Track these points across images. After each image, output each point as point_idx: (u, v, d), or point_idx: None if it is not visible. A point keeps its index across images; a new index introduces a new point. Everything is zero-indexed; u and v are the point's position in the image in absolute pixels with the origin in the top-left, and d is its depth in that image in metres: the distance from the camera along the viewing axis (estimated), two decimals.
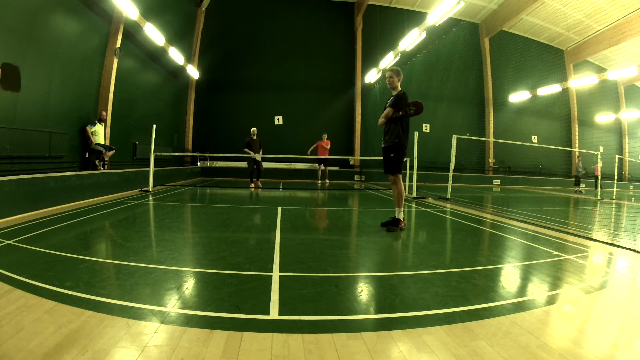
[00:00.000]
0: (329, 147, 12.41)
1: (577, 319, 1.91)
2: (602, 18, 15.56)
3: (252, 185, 9.80)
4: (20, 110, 5.87)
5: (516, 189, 14.90)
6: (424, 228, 4.94)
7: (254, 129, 9.87)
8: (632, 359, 1.52)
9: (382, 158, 4.41)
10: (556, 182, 17.68)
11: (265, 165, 14.22)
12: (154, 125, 8.21)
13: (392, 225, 4.20)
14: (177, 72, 12.89)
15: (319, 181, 12.72)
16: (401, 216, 4.21)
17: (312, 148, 12.37)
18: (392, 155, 4.24)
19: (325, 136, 12.53)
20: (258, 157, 9.64)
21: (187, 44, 13.71)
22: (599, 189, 11.25)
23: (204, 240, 3.55)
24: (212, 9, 14.53)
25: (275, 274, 2.46)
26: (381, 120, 4.31)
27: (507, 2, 15.18)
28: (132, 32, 9.21)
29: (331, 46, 15.82)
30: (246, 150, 9.77)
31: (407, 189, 9.49)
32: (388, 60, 13.12)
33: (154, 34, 9.36)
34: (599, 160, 11.60)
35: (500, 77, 17.38)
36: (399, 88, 4.31)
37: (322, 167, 12.77)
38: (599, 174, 11.50)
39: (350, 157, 14.61)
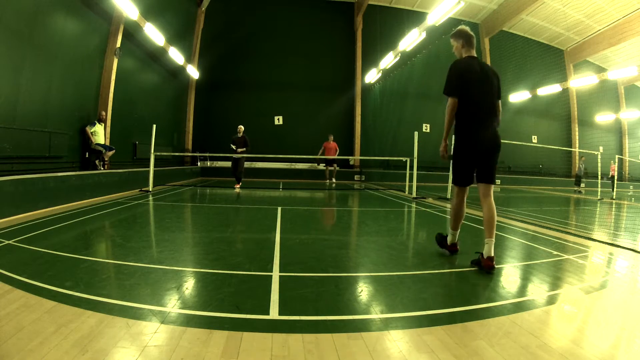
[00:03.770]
0: (336, 148, 12.52)
1: (577, 319, 1.91)
2: (602, 18, 15.55)
3: (237, 186, 9.52)
4: (20, 110, 5.86)
5: (516, 188, 14.89)
6: (424, 228, 4.94)
7: (240, 126, 9.66)
8: (632, 359, 1.52)
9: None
10: (556, 182, 17.66)
11: (266, 165, 14.28)
12: (154, 125, 8.21)
13: (438, 242, 3.30)
14: (177, 72, 12.88)
15: (328, 181, 12.75)
16: (450, 238, 3.16)
17: (321, 151, 12.48)
18: (452, 157, 3.05)
19: (331, 137, 12.55)
20: (237, 155, 9.43)
21: (187, 44, 13.70)
22: (614, 191, 11.51)
23: (204, 240, 3.55)
24: (212, 9, 14.52)
25: (275, 274, 2.46)
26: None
27: (507, 2, 15.17)
28: (132, 32, 9.20)
29: (331, 46, 15.81)
30: (232, 146, 9.51)
31: (407, 189, 9.49)
32: (388, 60, 13.12)
33: (154, 34, 9.36)
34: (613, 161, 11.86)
35: (501, 77, 17.34)
36: (463, 55, 3.02)
37: (330, 167, 12.82)
38: (615, 174, 11.81)
39: (350, 157, 14.60)
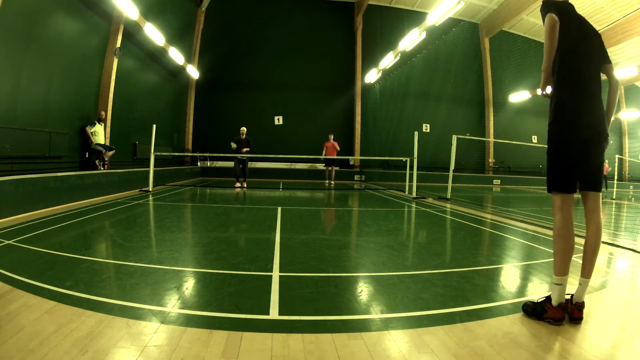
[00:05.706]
0: (334, 147, 12.47)
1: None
2: (602, 18, 15.54)
3: (237, 185, 9.83)
4: (20, 110, 5.87)
5: (516, 189, 14.89)
6: (424, 228, 4.94)
7: (243, 128, 9.88)
8: (632, 359, 1.52)
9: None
10: None
11: (266, 165, 14.29)
12: (154, 125, 8.21)
13: (531, 313, 1.90)
14: (177, 72, 12.89)
15: (329, 181, 12.72)
16: (557, 294, 1.85)
17: (324, 152, 12.44)
18: (548, 150, 1.99)
19: (331, 136, 12.53)
20: (242, 156, 9.62)
21: (187, 44, 13.70)
22: (613, 189, 11.57)
23: (204, 240, 3.55)
24: (212, 9, 14.53)
25: (275, 274, 2.46)
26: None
27: (507, 2, 15.16)
28: (132, 32, 9.20)
29: (331, 46, 15.81)
30: (234, 145, 9.78)
31: (407, 189, 9.50)
32: (388, 60, 13.12)
33: (154, 34, 9.35)
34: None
35: (500, 77, 17.37)
36: None
37: (330, 168, 12.79)
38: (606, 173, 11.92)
39: (350, 157, 14.61)
